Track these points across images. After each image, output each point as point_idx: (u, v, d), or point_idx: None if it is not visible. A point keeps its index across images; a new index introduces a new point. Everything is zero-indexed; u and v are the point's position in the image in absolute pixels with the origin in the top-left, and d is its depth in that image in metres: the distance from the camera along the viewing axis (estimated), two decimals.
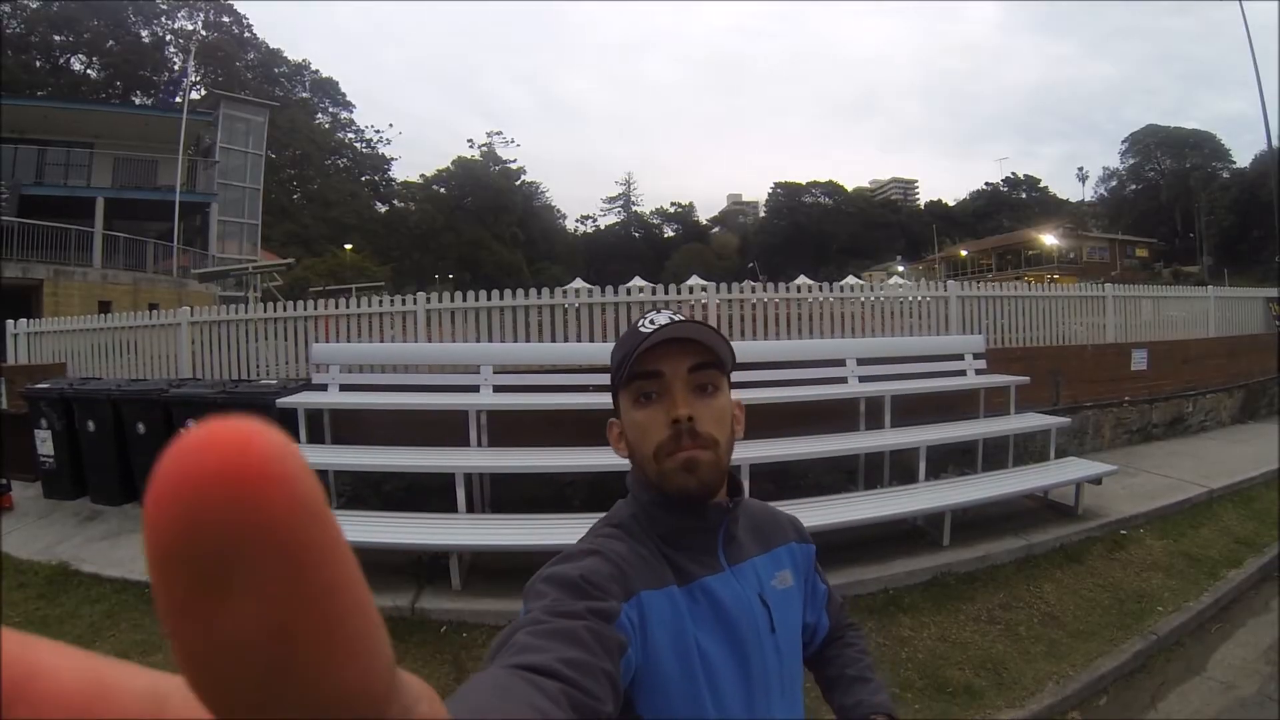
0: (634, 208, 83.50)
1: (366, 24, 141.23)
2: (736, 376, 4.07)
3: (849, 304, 7.86)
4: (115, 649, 4.06)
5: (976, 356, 7.00)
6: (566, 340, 7.21)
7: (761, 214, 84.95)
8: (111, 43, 52.62)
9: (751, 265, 60.47)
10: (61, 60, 51.36)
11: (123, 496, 6.61)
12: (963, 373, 6.87)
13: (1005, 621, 4.13)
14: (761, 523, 1.19)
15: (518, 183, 68.79)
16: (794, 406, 5.92)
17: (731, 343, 1.09)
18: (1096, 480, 5.51)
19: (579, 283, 39.38)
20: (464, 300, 7.39)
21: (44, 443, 7.01)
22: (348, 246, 45.87)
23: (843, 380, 6.46)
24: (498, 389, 6.19)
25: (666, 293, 7.56)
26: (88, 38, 51.91)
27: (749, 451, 5.06)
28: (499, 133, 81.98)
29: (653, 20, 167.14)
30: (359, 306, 7.63)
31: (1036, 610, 4.26)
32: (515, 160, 69.83)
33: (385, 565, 4.65)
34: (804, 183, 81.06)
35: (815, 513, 4.67)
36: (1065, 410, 7.26)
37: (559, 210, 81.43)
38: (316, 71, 64.75)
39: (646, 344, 1.00)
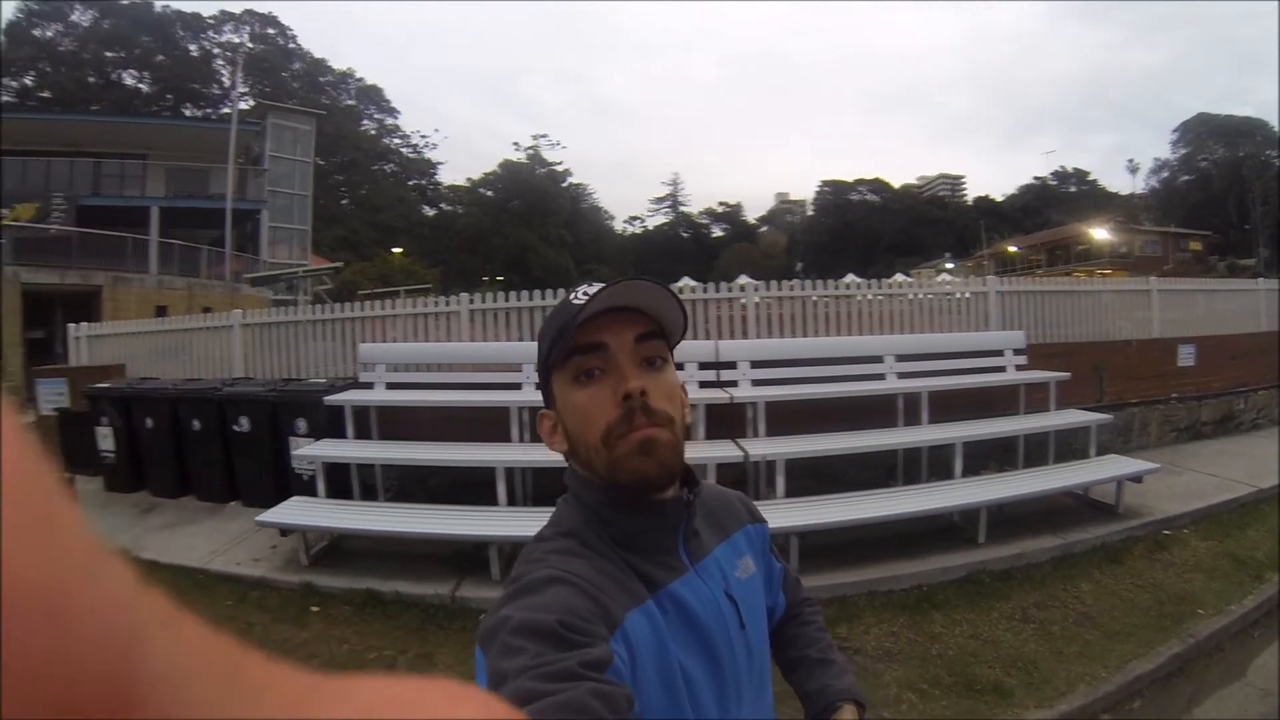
0: (682, 208, 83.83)
1: (408, 30, 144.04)
2: (776, 373, 4.97)
3: (888, 301, 7.93)
4: None
5: (1016, 352, 6.96)
6: None
7: (809, 212, 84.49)
8: (161, 57, 54.93)
9: (799, 266, 60.22)
10: (114, 76, 53.52)
11: (179, 489, 6.97)
12: (1002, 369, 6.83)
13: (1039, 621, 4.09)
14: (714, 508, 1.10)
15: (564, 185, 69.40)
16: (832, 403, 5.97)
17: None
18: (1137, 478, 5.48)
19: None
20: (506, 300, 7.63)
21: (105, 439, 7.40)
22: (396, 250, 46.75)
23: (881, 377, 6.52)
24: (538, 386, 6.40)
25: (718, 290, 7.78)
26: (138, 54, 54.37)
27: (786, 447, 5.21)
28: (544, 135, 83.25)
29: (693, 19, 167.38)
30: (404, 307, 7.92)
31: (1072, 610, 4.21)
32: (561, 163, 70.56)
33: (429, 556, 4.90)
34: (851, 180, 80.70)
35: (852, 508, 4.80)
36: (1109, 407, 7.23)
37: (607, 212, 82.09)
38: (361, 79, 66.60)
39: (585, 314, 0.90)
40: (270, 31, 61.04)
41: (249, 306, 17.08)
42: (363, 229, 55.21)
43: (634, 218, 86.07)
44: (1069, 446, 6.40)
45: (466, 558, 4.80)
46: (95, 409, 7.50)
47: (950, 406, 6.21)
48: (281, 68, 60.07)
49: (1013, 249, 54.75)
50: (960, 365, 6.79)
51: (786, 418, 5.79)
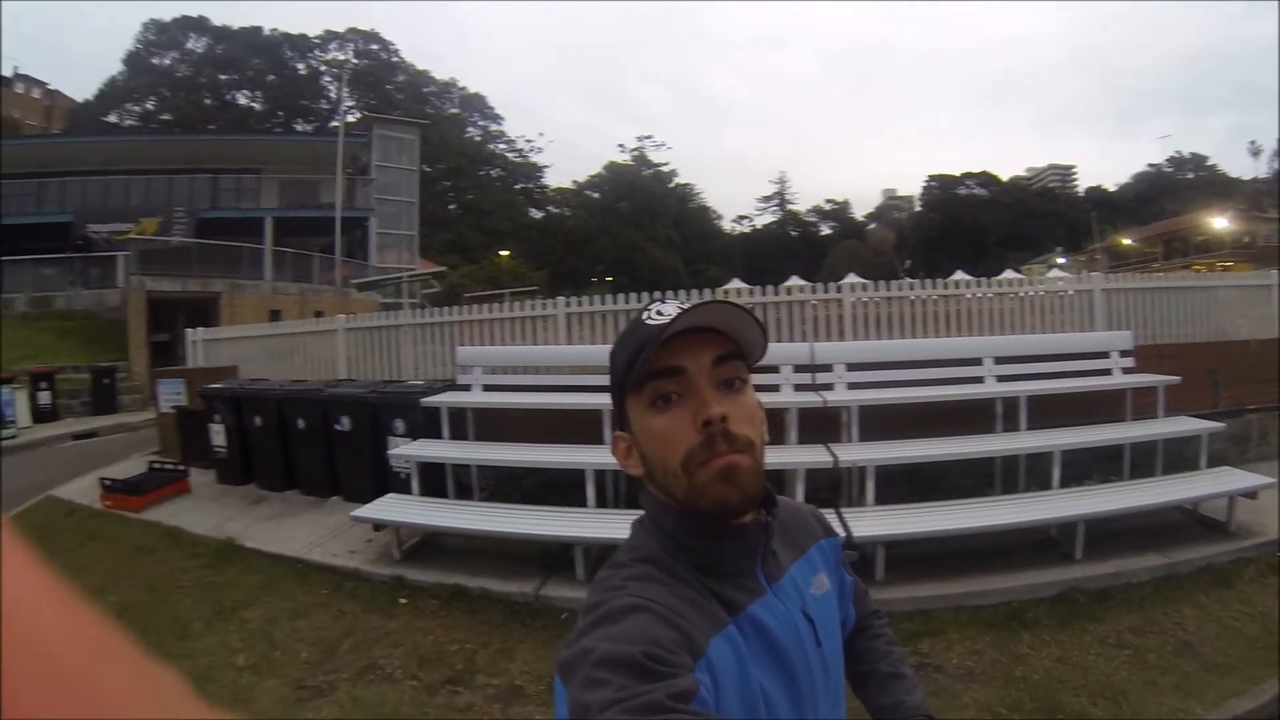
0: (789, 206, 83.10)
1: (508, 38, 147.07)
2: (872, 376, 4.77)
3: (986, 301, 7.66)
4: (265, 614, 4.62)
5: (1123, 354, 6.56)
6: None
7: (917, 208, 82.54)
8: (272, 77, 58.36)
9: (907, 264, 58.84)
10: (228, 96, 57.06)
11: (284, 484, 7.31)
12: (1108, 372, 6.46)
13: (1134, 647, 3.77)
14: (788, 524, 1.08)
15: (671, 185, 69.75)
16: (929, 407, 5.81)
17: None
18: (1252, 494, 4.95)
19: (736, 283, 39.40)
20: (603, 303, 7.73)
21: (217, 435, 7.83)
22: (503, 253, 47.71)
23: (979, 380, 6.25)
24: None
25: (826, 290, 7.73)
26: (250, 75, 58.23)
27: (877, 453, 5.10)
28: (649, 137, 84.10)
29: (791, 16, 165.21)
30: (501, 311, 8.11)
31: (1171, 637, 3.84)
32: (667, 163, 71.00)
33: (516, 554, 4.97)
34: (958, 174, 78.21)
35: (943, 517, 4.60)
36: (1225, 414, 6.61)
37: (715, 211, 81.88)
38: (464, 88, 68.71)
39: (664, 335, 0.88)
40: (373, 47, 63.88)
41: (359, 310, 17.86)
42: (470, 233, 56.75)
43: (742, 217, 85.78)
44: (1179, 456, 5.93)
45: (553, 557, 4.85)
46: (209, 407, 7.94)
47: (1051, 412, 5.90)
48: (386, 81, 62.56)
49: (1127, 242, 51.80)
50: (1063, 368, 6.45)
51: (882, 422, 5.62)
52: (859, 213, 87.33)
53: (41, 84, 68.89)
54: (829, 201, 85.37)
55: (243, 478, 7.66)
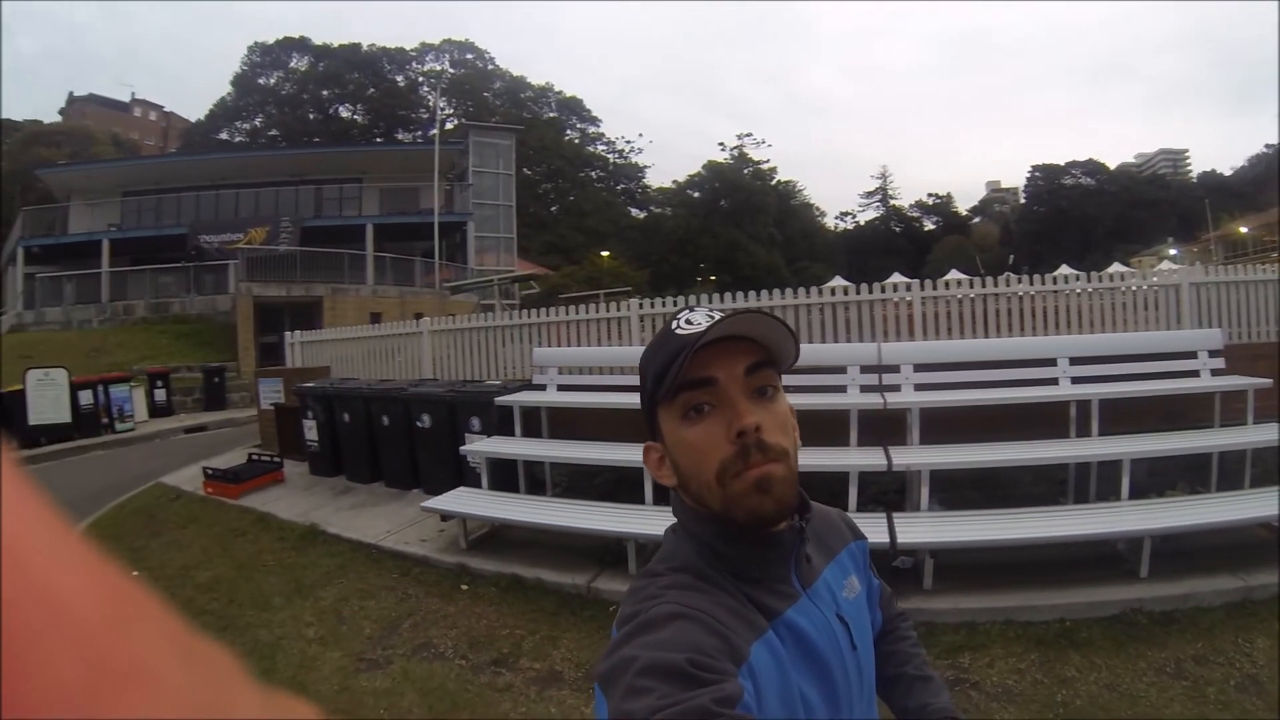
0: (892, 201, 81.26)
1: (603, 41, 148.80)
2: (940, 377, 5.00)
3: (1059, 298, 7.38)
4: (338, 593, 5.03)
5: (1212, 354, 6.12)
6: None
7: (1021, 200, 79.65)
8: (372, 90, 60.96)
9: (1010, 259, 56.79)
10: (331, 110, 60.01)
11: (370, 476, 7.77)
12: (1195, 373, 6.03)
13: (1194, 678, 3.47)
14: (819, 527, 1.08)
15: (772, 183, 69.48)
16: (997, 409, 5.66)
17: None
18: None
19: (838, 280, 38.99)
20: (674, 305, 7.95)
21: (310, 430, 8.39)
22: (604, 253, 48.40)
23: (1053, 381, 5.97)
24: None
25: (934, 288, 7.60)
26: (351, 89, 60.93)
27: (934, 457, 5.10)
28: (749, 134, 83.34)
29: (888, 6, 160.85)
30: (577, 314, 8.42)
31: (1237, 669, 3.50)
32: (768, 160, 70.45)
33: (574, 548, 5.21)
34: (1062, 164, 74.79)
35: (996, 527, 4.48)
36: None
37: (818, 208, 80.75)
38: (560, 92, 69.91)
39: (698, 344, 0.89)
40: (468, 56, 66.12)
41: (459, 311, 18.64)
42: (571, 234, 57.65)
43: (844, 213, 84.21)
44: (1272, 468, 5.32)
45: (609, 552, 5.06)
46: (303, 404, 8.53)
47: (1132, 416, 5.65)
48: (482, 88, 64.53)
49: (1244, 230, 48.42)
50: (1146, 369, 6.08)
51: (949, 425, 5.56)
52: (962, 206, 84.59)
53: (158, 107, 74.68)
54: (931, 196, 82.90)
55: (332, 470, 8.19)
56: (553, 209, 61.89)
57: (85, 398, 13.59)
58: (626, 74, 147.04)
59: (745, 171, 67.08)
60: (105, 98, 71.96)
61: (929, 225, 79.95)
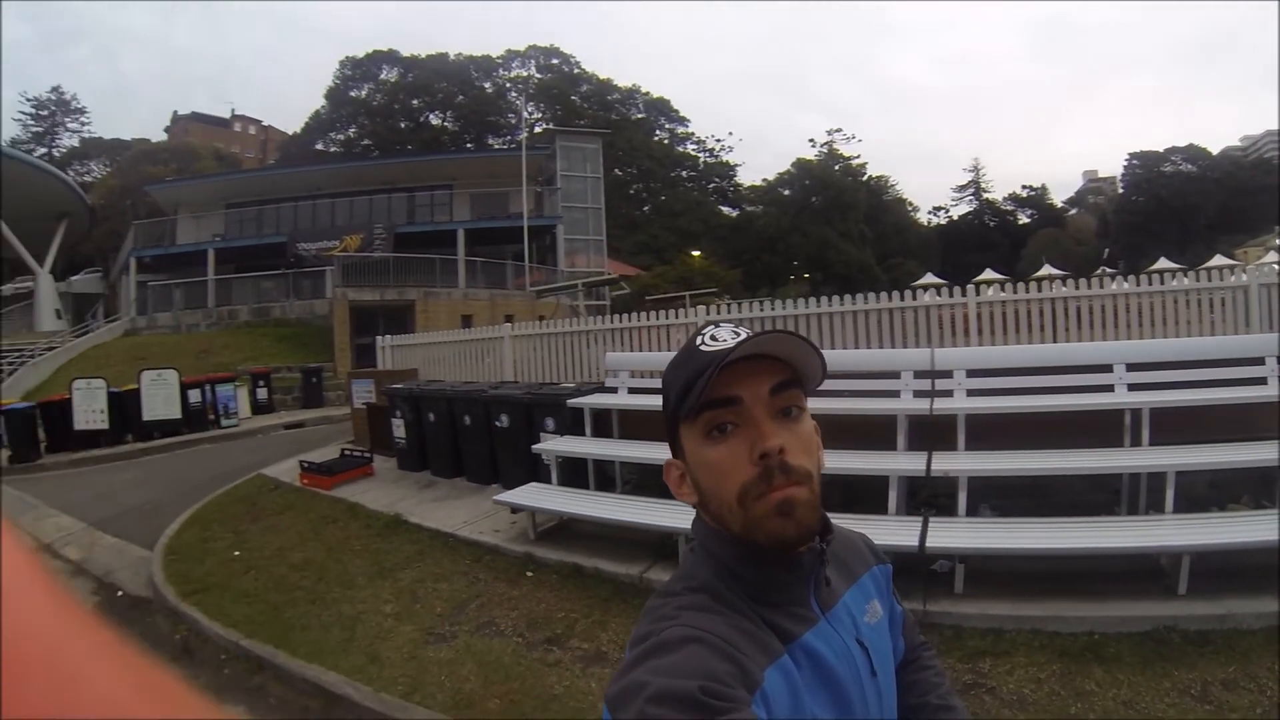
0: (985, 195, 78.66)
1: (688, 41, 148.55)
2: (997, 383, 5.35)
3: (1122, 299, 7.24)
4: (415, 575, 5.56)
5: None
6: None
7: (1119, 190, 76.24)
8: (461, 98, 62.84)
9: (1105, 253, 54.55)
10: (422, 119, 62.16)
11: (453, 472, 8.33)
12: (1263, 380, 5.66)
13: (1219, 702, 3.34)
14: (841, 550, 1.07)
15: (863, 178, 68.54)
16: (1048, 416, 5.52)
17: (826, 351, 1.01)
18: None
19: (929, 277, 38.29)
20: (750, 310, 8.25)
21: (398, 428, 9.02)
22: (695, 253, 48.50)
23: (1109, 388, 5.78)
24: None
25: (1027, 289, 7.53)
26: (440, 97, 62.87)
27: (974, 464, 5.15)
28: (839, 129, 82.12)
29: None
30: (645, 320, 8.82)
31: (1267, 697, 3.35)
32: (858, 156, 69.44)
33: (634, 541, 5.56)
34: (1161, 150, 71.03)
35: (1023, 535, 4.49)
36: None
37: (910, 203, 78.39)
38: (647, 93, 70.23)
39: (723, 363, 0.88)
40: (554, 61, 67.09)
41: (547, 314, 19.36)
42: (662, 234, 57.90)
43: (938, 208, 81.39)
44: None
45: (663, 545, 5.40)
46: (392, 404, 9.18)
47: (1194, 426, 5.37)
48: (570, 92, 65.50)
49: None
50: (1207, 376, 5.70)
51: (999, 431, 5.55)
52: (1058, 198, 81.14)
53: (256, 121, 78.93)
54: (1025, 188, 79.47)
55: (418, 465, 8.79)
56: (645, 209, 62.39)
57: (194, 396, 14.87)
58: (714, 72, 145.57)
59: (835, 168, 66.32)
60: (207, 115, 76.48)
61: (1024, 218, 77.35)
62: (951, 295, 7.77)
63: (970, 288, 7.70)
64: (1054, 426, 5.55)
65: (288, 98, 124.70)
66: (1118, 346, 6.49)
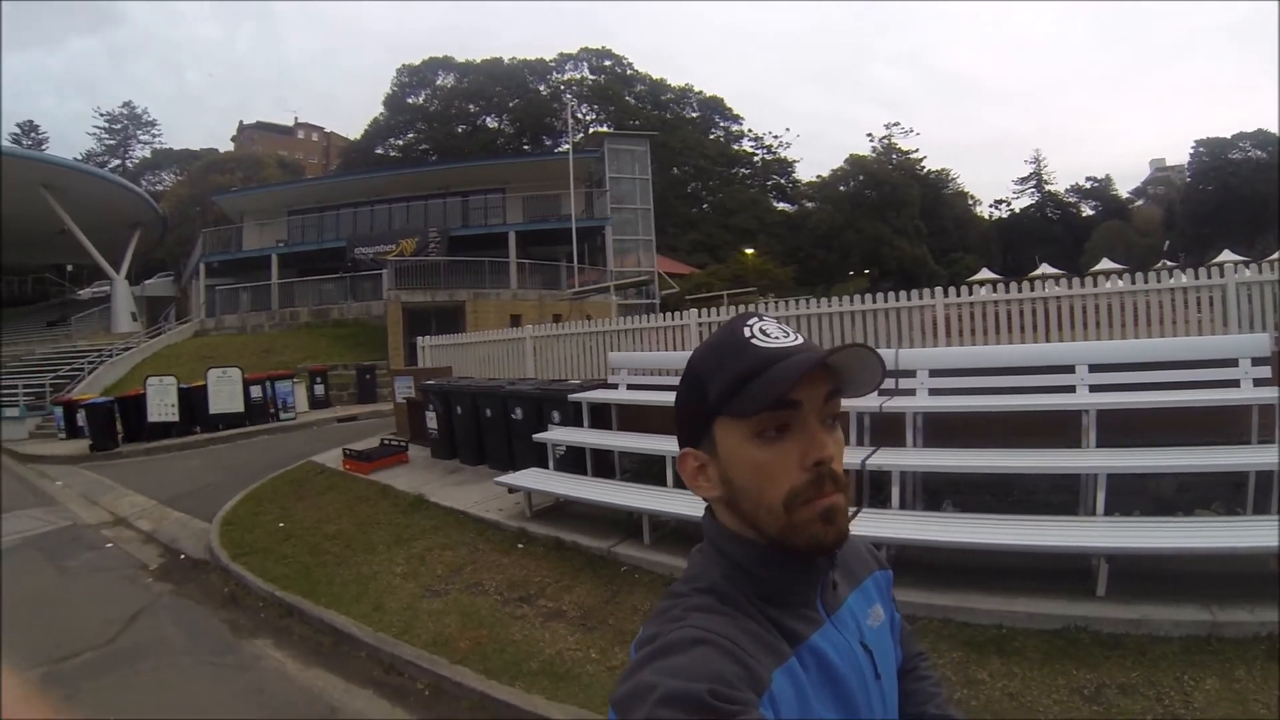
0: (1047, 187, 76.51)
1: (740, 38, 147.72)
2: (957, 383, 6.01)
3: (1085, 300, 7.29)
4: (425, 545, 6.53)
5: (1256, 362, 5.59)
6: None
7: (1186, 179, 73.22)
8: (515, 101, 64.36)
9: (1166, 245, 53.13)
10: (478, 122, 63.85)
11: (477, 459, 9.25)
12: (1235, 383, 5.55)
13: (1108, 704, 3.35)
14: (846, 554, 1.07)
15: (923, 173, 67.87)
16: (1005, 416, 5.73)
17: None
18: None
19: (985, 272, 38.01)
20: (779, 309, 8.99)
21: (431, 420, 10.05)
22: (748, 251, 48.74)
23: (1070, 389, 5.86)
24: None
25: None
26: (495, 101, 64.54)
27: (906, 459, 5.46)
28: (897, 123, 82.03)
29: None
30: (646, 322, 9.70)
31: (1163, 706, 3.29)
32: (916, 150, 68.89)
33: (608, 520, 6.38)
34: (1229, 136, 68.11)
35: (943, 529, 4.65)
36: None
37: (971, 196, 77.60)
38: (700, 92, 70.81)
39: (800, 367, 0.86)
40: (606, 63, 68.03)
41: (599, 313, 20.38)
42: (717, 232, 58.50)
43: (999, 201, 79.92)
44: None
45: (634, 524, 6.16)
46: (425, 398, 10.20)
47: (1157, 427, 5.36)
48: (623, 92, 66.35)
49: None
50: (1177, 377, 5.62)
51: (960, 429, 5.79)
52: (1123, 189, 78.21)
53: (318, 128, 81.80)
54: (1089, 179, 77.04)
55: (448, 453, 9.80)
56: (704, 206, 62.83)
57: (255, 391, 16.48)
58: (769, 68, 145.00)
59: (891, 162, 65.79)
60: (271, 124, 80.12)
61: (1087, 211, 75.26)
62: (925, 297, 8.05)
63: (938, 290, 8.07)
64: (1017, 426, 5.76)
65: (349, 104, 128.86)
66: (1081, 347, 6.57)
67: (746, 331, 0.92)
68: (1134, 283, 7.51)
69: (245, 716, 4.16)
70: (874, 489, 5.52)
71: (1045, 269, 36.79)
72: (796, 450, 0.88)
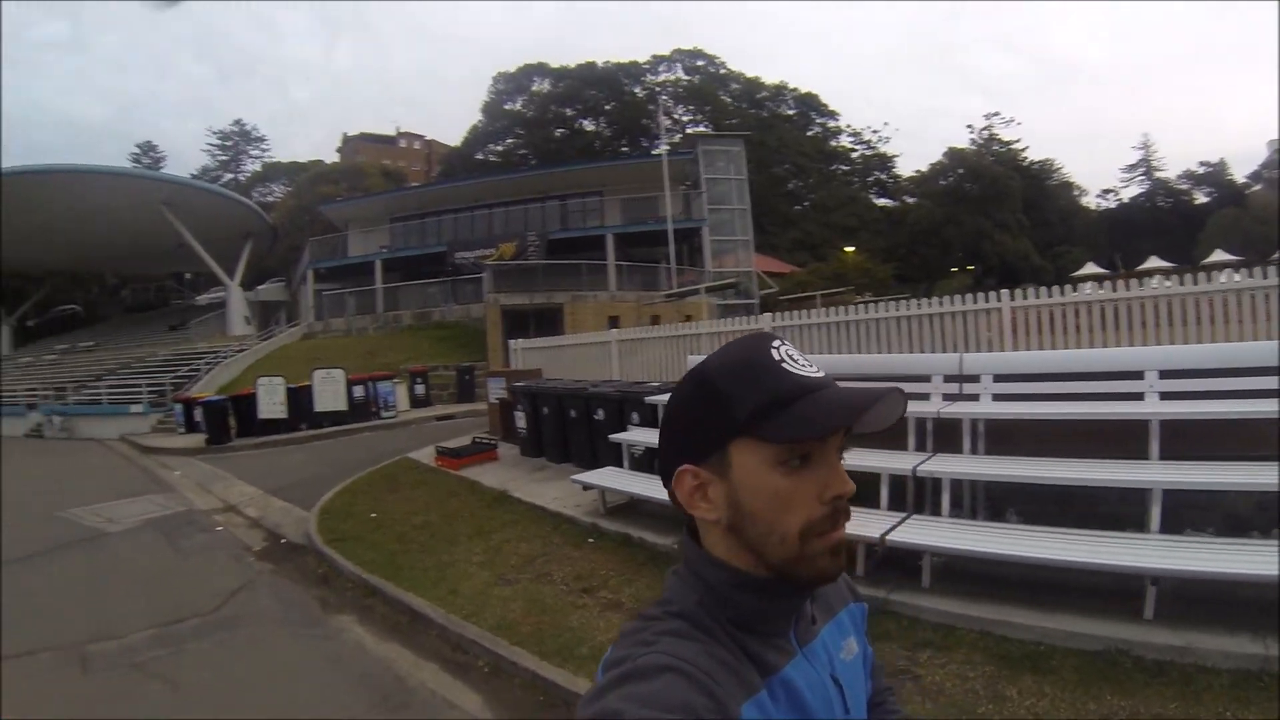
0: (1156, 174, 71.76)
1: (831, 32, 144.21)
2: (1021, 388, 5.87)
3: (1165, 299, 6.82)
4: (504, 537, 6.92)
5: None
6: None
7: None
8: (611, 105, 65.29)
9: None
10: (576, 126, 65.00)
11: (562, 457, 9.60)
12: None
13: None
14: (823, 586, 1.01)
15: (1025, 163, 65.36)
16: (1074, 424, 5.51)
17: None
18: None
19: (1090, 267, 36.51)
20: (808, 318, 9.12)
21: (520, 420, 10.49)
22: (848, 249, 48.30)
23: (1139, 396, 5.52)
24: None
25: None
26: (591, 105, 65.55)
27: (967, 467, 5.33)
28: (997, 113, 78.48)
29: None
30: (714, 327, 9.89)
31: None
32: (1018, 140, 66.30)
33: (676, 519, 6.56)
34: None
35: (988, 540, 4.48)
36: None
37: (1077, 187, 73.75)
38: (795, 89, 69.99)
39: (857, 405, 0.86)
40: (699, 63, 67.98)
41: (697, 314, 20.70)
42: (817, 230, 57.87)
43: (1107, 191, 75.45)
44: None
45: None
46: (516, 399, 10.64)
47: (1237, 439, 4.94)
48: (717, 92, 66.26)
49: None
50: (1253, 385, 5.11)
51: (1022, 437, 5.60)
52: (1239, 173, 71.59)
53: (419, 136, 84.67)
54: (1202, 164, 71.14)
55: (535, 452, 10.19)
56: (804, 204, 62.32)
57: (358, 391, 17.58)
58: (866, 60, 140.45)
59: (992, 153, 63.52)
60: (374, 134, 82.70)
61: (1201, 198, 70.19)
62: (991, 300, 7.80)
63: (1004, 292, 7.81)
64: (1083, 434, 5.50)
65: (449, 112, 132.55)
66: (1149, 353, 6.05)
67: (775, 354, 0.89)
68: (1222, 280, 6.80)
69: (323, 680, 4.65)
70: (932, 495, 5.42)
71: (1155, 262, 34.95)
72: (816, 482, 0.87)
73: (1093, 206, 72.95)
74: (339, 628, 5.48)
